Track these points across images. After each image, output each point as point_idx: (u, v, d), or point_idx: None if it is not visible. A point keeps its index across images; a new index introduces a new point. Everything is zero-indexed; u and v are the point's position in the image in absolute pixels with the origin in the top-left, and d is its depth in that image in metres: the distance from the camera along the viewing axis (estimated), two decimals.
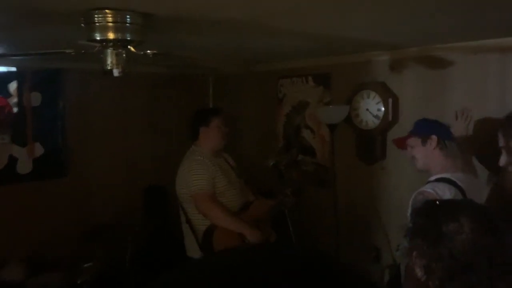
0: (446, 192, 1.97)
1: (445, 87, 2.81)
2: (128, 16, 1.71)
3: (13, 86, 3.41)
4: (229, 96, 4.40)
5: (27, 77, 3.43)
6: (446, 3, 1.69)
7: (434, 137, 2.14)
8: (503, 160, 1.65)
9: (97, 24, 1.69)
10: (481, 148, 2.57)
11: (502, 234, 1.08)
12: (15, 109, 3.44)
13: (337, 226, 3.30)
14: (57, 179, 3.68)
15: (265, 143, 4.12)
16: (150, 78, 4.05)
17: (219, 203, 2.74)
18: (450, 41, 2.64)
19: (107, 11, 1.67)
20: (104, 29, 1.69)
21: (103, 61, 1.77)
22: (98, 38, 1.70)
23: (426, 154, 2.17)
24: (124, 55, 1.78)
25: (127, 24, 1.72)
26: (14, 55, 2.87)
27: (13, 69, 3.41)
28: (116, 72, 1.77)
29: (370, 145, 3.25)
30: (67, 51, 1.74)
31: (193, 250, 2.81)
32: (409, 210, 2.07)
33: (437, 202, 1.21)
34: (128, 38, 1.74)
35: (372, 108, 3.14)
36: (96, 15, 1.67)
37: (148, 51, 1.81)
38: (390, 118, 3.07)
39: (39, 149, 3.59)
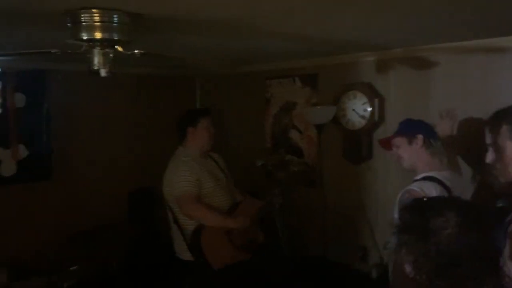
0: (432, 191, 2.00)
1: (430, 87, 2.85)
2: (115, 16, 1.70)
3: None
4: (217, 97, 4.40)
5: (11, 78, 3.36)
6: (431, 5, 1.72)
7: (420, 136, 2.17)
8: (490, 157, 1.68)
9: (83, 23, 1.68)
10: (466, 147, 2.62)
11: (488, 229, 1.10)
12: None
13: (325, 226, 3.32)
14: (42, 182, 3.63)
15: (253, 144, 4.13)
16: (137, 79, 4.03)
17: (203, 204, 2.73)
18: (434, 42, 2.68)
19: (94, 10, 1.66)
20: (91, 28, 1.68)
21: (90, 61, 1.75)
22: (85, 38, 1.69)
23: (412, 153, 2.20)
24: (111, 55, 1.76)
25: (114, 24, 1.71)
26: None
27: None
28: (103, 72, 1.76)
29: (357, 145, 3.27)
30: (53, 51, 1.72)
31: (182, 251, 2.80)
32: (396, 209, 2.10)
33: (425, 199, 1.23)
34: (116, 38, 1.73)
35: (359, 109, 3.17)
36: (82, 15, 1.66)
37: (136, 51, 1.80)
38: (376, 118, 3.10)
39: (23, 151, 3.54)
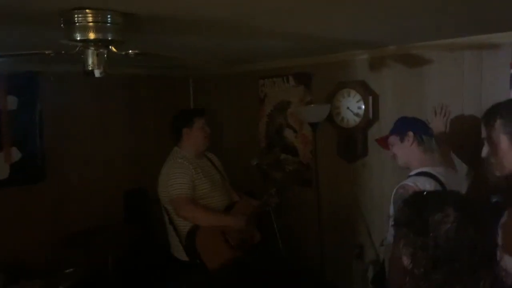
0: (426, 186, 2.01)
1: (423, 84, 2.87)
2: (109, 16, 1.69)
3: None
4: (210, 97, 4.39)
5: (3, 80, 3.34)
6: (424, 2, 1.73)
7: (410, 133, 2.20)
8: (485, 150, 1.70)
9: (77, 24, 1.66)
10: (460, 144, 2.64)
11: (485, 224, 1.12)
12: None
13: (320, 224, 3.33)
14: (35, 185, 3.61)
15: (247, 143, 4.13)
16: (130, 79, 4.01)
17: (197, 205, 2.72)
18: (427, 39, 2.69)
19: (87, 10, 1.64)
20: (85, 29, 1.67)
21: (84, 62, 1.74)
22: (78, 38, 1.68)
23: (404, 151, 2.23)
24: (105, 55, 1.75)
25: (108, 24, 1.69)
26: None
27: None
28: (97, 73, 1.75)
29: (352, 143, 3.28)
30: (47, 52, 1.71)
31: (178, 252, 2.79)
32: (391, 205, 2.12)
33: (425, 193, 1.24)
34: (109, 38, 1.72)
35: (353, 106, 3.18)
36: (76, 15, 1.64)
37: (130, 51, 1.79)
38: (370, 116, 3.11)
39: (16, 154, 3.51)
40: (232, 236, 2.74)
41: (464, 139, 2.66)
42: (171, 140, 3.01)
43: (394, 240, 1.26)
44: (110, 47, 1.75)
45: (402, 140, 2.22)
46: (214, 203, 2.81)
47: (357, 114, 3.17)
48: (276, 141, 3.90)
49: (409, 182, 2.07)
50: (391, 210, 2.13)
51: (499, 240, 1.41)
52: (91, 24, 1.67)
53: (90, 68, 1.73)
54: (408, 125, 2.25)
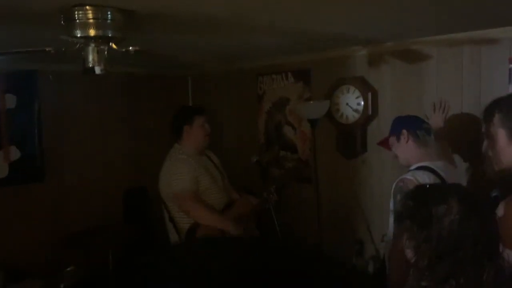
0: (425, 179, 2.02)
1: (422, 80, 2.87)
2: (109, 13, 1.69)
3: None
4: (209, 95, 4.39)
5: (1, 79, 3.33)
6: None
7: (404, 131, 2.23)
8: (484, 145, 1.72)
9: (77, 21, 1.67)
10: (459, 139, 2.65)
11: (486, 215, 1.13)
12: None
13: (320, 221, 3.33)
14: (35, 184, 3.60)
15: (247, 141, 4.13)
16: (129, 79, 4.01)
17: (202, 202, 2.73)
18: (426, 35, 2.70)
19: (87, 7, 1.65)
20: (85, 26, 1.67)
21: (85, 59, 1.74)
22: (79, 35, 1.67)
23: (402, 149, 2.25)
24: (105, 52, 1.75)
25: (108, 21, 1.70)
26: None
27: None
28: (98, 70, 1.75)
29: (351, 139, 3.29)
30: (48, 49, 1.70)
31: None
32: (391, 199, 2.13)
33: (427, 186, 1.25)
34: (110, 35, 1.72)
35: (352, 103, 3.18)
36: (76, 12, 1.65)
37: (130, 48, 1.79)
38: (369, 112, 3.12)
39: (15, 153, 3.50)
40: (231, 234, 2.74)
41: (463, 135, 2.67)
42: (170, 139, 3.00)
43: (396, 234, 1.27)
44: (110, 43, 1.75)
45: (398, 139, 2.25)
46: (214, 199, 2.81)
47: (356, 110, 3.17)
48: (275, 138, 3.90)
49: (408, 176, 2.08)
50: (391, 205, 2.14)
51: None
52: (91, 21, 1.67)
53: (90, 65, 1.74)
54: (402, 124, 2.28)
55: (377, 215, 3.19)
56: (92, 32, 1.68)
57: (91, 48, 1.71)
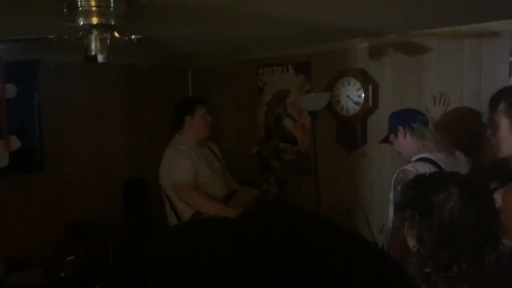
0: (426, 170, 2.03)
1: (423, 73, 2.88)
2: (111, 1, 1.69)
3: None
4: (209, 87, 4.38)
5: (1, 68, 3.32)
6: None
7: (400, 128, 2.25)
8: (488, 133, 1.74)
9: (80, 9, 1.67)
10: (458, 132, 2.67)
11: (486, 202, 1.14)
12: None
13: (320, 213, 3.35)
14: (35, 174, 3.60)
15: (246, 133, 4.14)
16: (129, 70, 4.00)
17: (201, 191, 2.74)
18: (427, 27, 2.70)
19: None
20: (88, 14, 1.67)
21: (87, 47, 1.74)
22: (81, 23, 1.68)
23: (402, 145, 2.28)
24: (108, 40, 1.75)
25: (111, 9, 1.70)
26: None
27: None
28: (100, 58, 1.75)
29: (351, 131, 3.30)
30: (51, 36, 1.70)
31: None
32: (392, 190, 2.14)
33: (427, 175, 1.26)
34: (112, 23, 1.72)
35: (353, 95, 3.19)
36: (79, 0, 1.65)
37: (133, 36, 1.79)
38: (370, 104, 3.13)
39: (15, 143, 3.50)
40: None
41: (463, 127, 2.68)
42: (170, 131, 3.01)
43: (396, 224, 1.28)
44: (113, 32, 1.75)
45: (396, 136, 2.27)
46: (215, 190, 2.82)
47: (357, 103, 3.18)
48: (275, 130, 3.91)
49: (409, 167, 2.10)
50: (391, 196, 2.16)
51: None
52: (94, 8, 1.67)
53: (93, 53, 1.74)
54: (397, 120, 2.30)
55: (377, 207, 3.21)
56: (94, 20, 1.68)
57: (93, 36, 1.71)
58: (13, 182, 3.47)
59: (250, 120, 4.09)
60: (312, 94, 3.41)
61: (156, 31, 2.43)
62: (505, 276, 1.16)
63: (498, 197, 1.58)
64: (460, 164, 2.62)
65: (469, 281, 1.09)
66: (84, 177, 3.82)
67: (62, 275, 2.94)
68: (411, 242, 1.16)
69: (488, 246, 1.09)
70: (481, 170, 2.57)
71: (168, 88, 4.24)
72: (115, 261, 3.42)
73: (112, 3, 1.69)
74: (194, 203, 2.70)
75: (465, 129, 2.70)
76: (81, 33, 1.70)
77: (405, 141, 2.24)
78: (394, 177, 2.11)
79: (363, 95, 3.13)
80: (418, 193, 1.16)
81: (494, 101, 1.68)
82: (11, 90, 3.42)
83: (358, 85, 3.15)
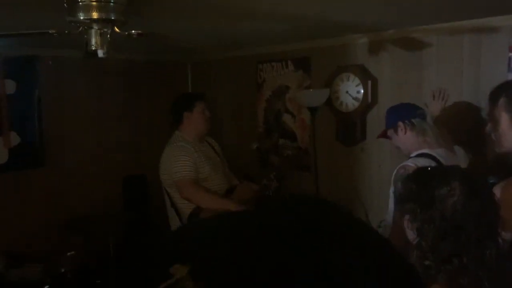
0: (426, 166, 2.04)
1: (422, 68, 2.88)
2: None
3: None
4: (208, 82, 4.38)
5: (1, 64, 3.31)
6: None
7: (400, 123, 2.24)
8: (488, 127, 1.74)
9: (80, 3, 1.67)
10: (457, 128, 2.67)
11: (487, 197, 1.15)
12: None
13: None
14: (35, 170, 3.60)
15: (246, 129, 4.14)
16: (128, 65, 4.00)
17: (202, 187, 2.74)
18: (427, 23, 2.70)
19: None
20: (88, 8, 1.67)
21: (87, 42, 1.74)
22: (82, 18, 1.68)
23: (402, 140, 2.27)
24: (108, 35, 1.75)
25: (111, 3, 1.70)
26: None
27: None
28: (100, 53, 1.75)
29: (350, 127, 3.30)
30: (51, 31, 1.70)
31: None
32: (392, 185, 2.15)
33: (429, 168, 1.27)
34: (113, 18, 1.72)
35: (352, 91, 3.19)
36: None
37: (133, 31, 1.79)
38: (369, 100, 3.13)
39: (15, 139, 3.50)
40: None
41: (462, 123, 2.69)
42: (170, 127, 3.01)
43: (397, 217, 1.29)
44: (113, 27, 1.75)
45: (396, 132, 2.26)
46: (215, 186, 2.83)
47: (356, 98, 3.18)
48: (274, 126, 3.91)
49: (409, 162, 2.10)
50: (391, 191, 2.16)
51: None
52: (94, 3, 1.67)
53: (93, 48, 1.74)
54: (396, 116, 2.29)
55: (376, 202, 3.22)
56: (95, 15, 1.67)
57: (94, 31, 1.71)
58: (13, 178, 3.48)
59: (250, 115, 4.09)
60: (311, 90, 3.41)
61: (155, 26, 2.44)
62: (505, 269, 1.17)
63: (497, 191, 1.59)
64: (459, 159, 2.63)
65: (470, 274, 1.10)
66: (84, 172, 3.83)
67: (62, 270, 2.95)
68: (411, 235, 1.17)
69: (488, 239, 1.10)
70: (480, 164, 2.59)
71: (168, 83, 4.24)
72: (115, 256, 3.43)
73: None
74: (194, 198, 2.71)
75: (464, 124, 2.70)
76: (81, 28, 1.70)
77: (405, 137, 2.24)
78: (394, 173, 2.11)
79: (362, 91, 3.13)
80: (420, 186, 1.17)
81: (494, 96, 1.68)
82: (10, 86, 3.42)
83: (357, 80, 3.15)
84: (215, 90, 4.28)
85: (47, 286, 2.99)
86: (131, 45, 2.58)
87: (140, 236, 3.78)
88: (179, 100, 2.93)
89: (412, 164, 2.05)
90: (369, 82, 3.11)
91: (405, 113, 2.28)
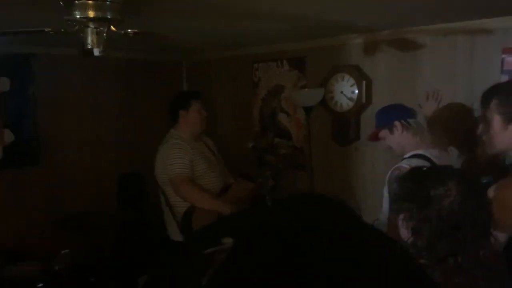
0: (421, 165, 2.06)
1: (416, 69, 2.91)
2: None
3: None
4: (204, 81, 4.39)
5: None
6: None
7: (397, 123, 2.24)
8: (480, 129, 1.75)
9: (77, 2, 1.67)
10: (451, 128, 2.70)
11: (482, 195, 1.16)
12: None
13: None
14: (30, 167, 3.59)
15: (241, 128, 4.15)
16: (124, 64, 4.00)
17: (197, 185, 2.75)
18: (421, 24, 2.72)
19: None
20: (84, 7, 1.67)
21: (84, 41, 1.74)
22: (78, 17, 1.68)
23: (397, 140, 2.27)
24: (104, 34, 1.76)
25: (108, 2, 1.70)
26: None
27: None
28: (96, 52, 1.75)
29: (345, 127, 3.32)
30: (47, 29, 1.70)
31: (175, 233, 2.82)
32: (385, 186, 2.16)
33: (424, 168, 1.28)
34: (109, 17, 1.72)
35: (347, 91, 3.21)
36: None
37: (129, 30, 1.80)
38: (363, 100, 3.15)
39: (9, 136, 3.46)
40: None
41: (455, 123, 2.71)
42: (164, 124, 3.02)
43: (390, 217, 1.30)
44: (110, 25, 1.75)
45: (391, 131, 2.26)
46: (210, 184, 2.84)
47: (350, 99, 3.20)
48: (269, 125, 3.93)
49: (404, 164, 2.11)
50: (385, 192, 2.18)
51: None
52: (90, 2, 1.67)
53: (89, 47, 1.74)
54: (391, 115, 2.28)
55: (370, 200, 3.24)
56: (91, 14, 1.68)
57: (90, 29, 1.72)
58: (7, 176, 3.46)
59: (246, 115, 4.10)
60: (306, 89, 3.43)
61: (151, 25, 2.44)
62: (500, 269, 1.19)
63: (491, 192, 1.61)
64: (452, 159, 2.65)
65: (465, 273, 1.11)
66: (79, 170, 3.82)
67: (57, 268, 2.94)
68: (405, 234, 1.18)
69: (483, 239, 1.11)
70: (473, 165, 2.61)
71: (163, 82, 4.25)
72: (110, 254, 3.43)
73: None
74: (189, 197, 2.72)
75: (458, 125, 2.73)
76: (77, 26, 1.71)
77: (401, 136, 2.24)
78: (389, 174, 2.11)
79: (356, 91, 3.15)
80: (416, 186, 1.18)
81: (486, 98, 1.70)
82: (5, 84, 3.39)
83: (352, 81, 3.17)
84: (211, 89, 4.28)
85: (41, 284, 2.98)
86: (127, 43, 2.58)
87: (135, 234, 3.78)
88: (176, 98, 2.94)
89: (406, 165, 2.06)
90: (364, 83, 3.13)
91: (400, 113, 2.29)
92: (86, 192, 3.78)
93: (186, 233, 2.74)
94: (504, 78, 2.45)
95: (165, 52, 4.09)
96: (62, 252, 3.03)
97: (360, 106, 3.19)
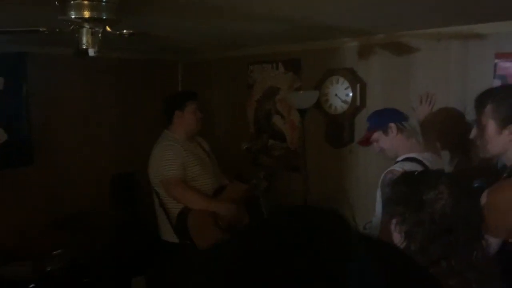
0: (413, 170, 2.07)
1: (410, 73, 2.93)
2: None
3: None
4: (199, 82, 4.39)
5: None
6: None
7: (392, 125, 2.25)
8: (473, 133, 1.77)
9: (72, 2, 1.67)
10: (444, 131, 2.72)
11: (474, 198, 1.18)
12: None
13: None
14: (23, 167, 3.57)
15: (236, 129, 4.15)
16: (119, 63, 3.99)
17: (189, 187, 2.75)
18: (415, 28, 2.74)
19: None
20: (80, 7, 1.67)
21: (79, 41, 1.74)
22: (73, 17, 1.67)
23: (391, 142, 2.28)
24: (100, 34, 1.75)
25: (103, 3, 1.70)
26: None
27: None
28: (91, 52, 1.75)
29: (339, 129, 3.34)
30: (41, 29, 1.70)
31: (168, 233, 2.82)
32: (378, 189, 2.17)
33: (416, 173, 1.29)
34: (104, 17, 1.72)
35: (341, 94, 3.23)
36: None
37: (125, 31, 1.80)
38: (358, 103, 3.17)
39: (2, 135, 3.47)
40: (222, 218, 2.79)
41: (448, 127, 2.73)
42: (160, 125, 3.01)
43: (385, 220, 1.30)
44: (105, 26, 1.75)
45: (386, 133, 2.27)
46: (204, 185, 2.84)
47: (345, 101, 3.22)
48: (264, 127, 3.94)
49: (397, 167, 2.12)
50: (378, 195, 2.19)
51: None
52: (85, 2, 1.67)
53: (84, 47, 1.73)
54: (386, 118, 2.30)
55: (363, 203, 3.25)
56: (86, 14, 1.67)
57: (85, 30, 1.71)
58: (1, 175, 3.44)
59: (240, 116, 4.11)
60: (301, 92, 3.44)
61: (147, 26, 2.44)
62: (492, 271, 1.20)
63: (484, 196, 1.62)
64: (444, 163, 2.67)
65: (458, 276, 1.12)
66: (73, 170, 3.81)
67: (49, 268, 2.93)
68: (398, 238, 1.19)
69: (476, 242, 1.13)
70: (466, 168, 2.63)
71: (158, 82, 4.24)
72: (103, 254, 3.42)
73: None
74: (182, 198, 2.72)
75: (451, 129, 2.75)
76: (72, 26, 1.70)
77: (396, 138, 2.25)
78: (381, 177, 2.12)
79: (351, 94, 3.17)
80: (408, 190, 1.19)
81: (480, 102, 1.71)
82: None
83: (346, 84, 3.18)
84: (206, 90, 4.28)
85: (33, 285, 2.97)
86: (123, 43, 2.58)
87: (128, 234, 3.77)
88: (171, 99, 2.94)
89: (399, 168, 2.07)
90: (358, 86, 3.15)
91: (394, 115, 2.30)
92: (80, 192, 3.76)
93: (180, 234, 2.74)
94: (497, 83, 2.47)
95: (160, 53, 4.09)
96: (55, 252, 3.02)
97: (355, 108, 3.20)
